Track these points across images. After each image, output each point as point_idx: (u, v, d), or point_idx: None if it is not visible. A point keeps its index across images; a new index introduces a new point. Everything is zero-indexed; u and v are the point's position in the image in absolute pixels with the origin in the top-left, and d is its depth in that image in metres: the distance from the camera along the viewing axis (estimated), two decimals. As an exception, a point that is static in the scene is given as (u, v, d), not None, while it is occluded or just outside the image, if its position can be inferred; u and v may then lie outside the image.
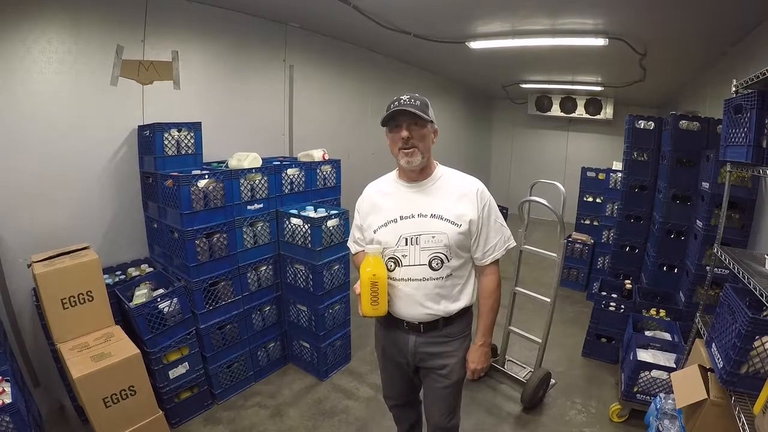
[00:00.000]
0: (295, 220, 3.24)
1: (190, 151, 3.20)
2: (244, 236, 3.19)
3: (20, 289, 2.86)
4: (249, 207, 3.18)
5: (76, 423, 2.92)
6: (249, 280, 3.28)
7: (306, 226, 3.17)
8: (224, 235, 3.06)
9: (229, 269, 3.12)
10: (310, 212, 3.29)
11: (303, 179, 3.55)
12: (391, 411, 2.31)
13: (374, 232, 1.80)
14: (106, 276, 3.17)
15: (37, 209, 2.91)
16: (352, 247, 2.03)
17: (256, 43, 4.06)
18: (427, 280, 1.75)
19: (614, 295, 4.05)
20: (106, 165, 3.24)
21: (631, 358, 2.97)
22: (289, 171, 3.44)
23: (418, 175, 1.79)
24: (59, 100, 2.94)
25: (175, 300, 2.87)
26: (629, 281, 4.20)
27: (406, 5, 3.51)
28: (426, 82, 6.88)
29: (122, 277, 3.27)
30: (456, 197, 1.75)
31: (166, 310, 2.83)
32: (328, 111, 5.04)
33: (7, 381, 2.33)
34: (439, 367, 1.88)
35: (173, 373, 2.89)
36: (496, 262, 1.84)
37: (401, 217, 1.75)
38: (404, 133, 1.66)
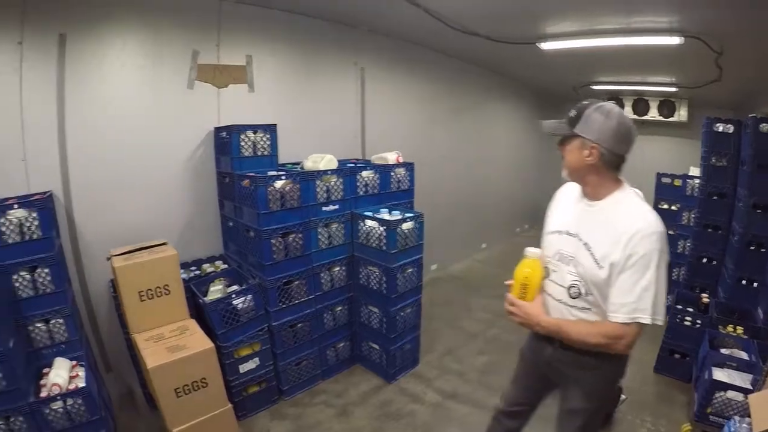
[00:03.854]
0: (370, 222, 3.39)
1: (266, 153, 3.41)
2: (319, 237, 3.36)
3: (98, 281, 3.18)
4: (324, 208, 3.35)
5: (145, 409, 3.17)
6: (322, 280, 3.45)
7: (381, 229, 3.31)
8: (300, 235, 3.24)
9: (303, 269, 3.31)
10: (385, 214, 3.45)
11: (377, 182, 3.68)
12: (491, 421, 2.23)
13: (546, 234, 1.84)
14: (181, 271, 3.39)
15: (116, 205, 3.22)
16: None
17: (328, 46, 4.27)
18: (564, 304, 1.70)
19: (690, 309, 3.96)
20: (184, 164, 3.52)
21: (706, 376, 2.91)
22: (364, 173, 3.59)
23: (591, 191, 1.68)
24: (138, 103, 3.24)
25: (249, 297, 3.07)
26: (706, 295, 4.07)
27: (475, 6, 3.60)
28: (495, 84, 6.99)
29: (197, 272, 3.53)
30: (610, 232, 1.56)
31: (240, 306, 3.03)
32: (399, 113, 5.21)
33: (81, 366, 2.61)
34: (566, 388, 1.87)
35: (243, 368, 3.08)
36: (629, 325, 1.53)
37: (567, 232, 1.71)
38: (557, 147, 1.70)
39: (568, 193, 1.86)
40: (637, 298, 1.50)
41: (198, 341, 2.66)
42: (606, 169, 1.62)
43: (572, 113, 1.63)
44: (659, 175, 5.85)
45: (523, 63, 5.90)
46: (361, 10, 3.89)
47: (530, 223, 8.80)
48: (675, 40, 3.96)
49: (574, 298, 1.67)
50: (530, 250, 1.76)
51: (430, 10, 3.66)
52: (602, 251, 1.57)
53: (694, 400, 3.10)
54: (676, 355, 3.78)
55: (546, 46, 4.57)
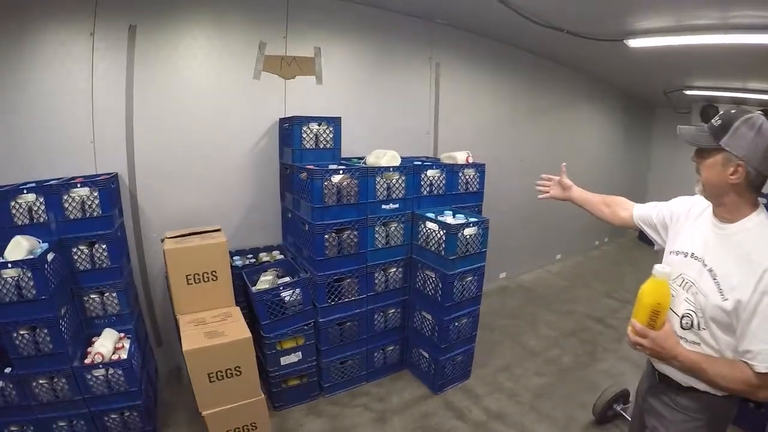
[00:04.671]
0: (430, 225, 3.20)
1: (328, 145, 3.34)
2: (376, 235, 3.24)
3: (156, 260, 3.29)
4: (384, 206, 3.22)
5: (188, 386, 3.14)
6: (376, 281, 3.32)
7: (441, 232, 3.10)
8: (355, 233, 3.13)
9: (356, 267, 3.19)
10: (448, 218, 3.25)
11: (443, 182, 3.48)
12: None
13: (668, 253, 1.64)
14: (238, 258, 3.47)
15: (178, 190, 3.31)
16: (637, 206, 1.92)
17: (401, 39, 4.14)
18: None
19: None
20: (247, 154, 3.54)
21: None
22: (429, 172, 3.40)
23: (725, 212, 1.46)
24: (204, 92, 3.30)
25: (297, 291, 3.01)
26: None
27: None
28: (579, 85, 6.55)
29: (253, 260, 3.54)
30: (742, 262, 1.36)
31: (287, 299, 2.98)
32: (475, 111, 4.99)
33: (128, 338, 2.75)
34: (651, 428, 1.69)
35: (285, 360, 3.05)
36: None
37: (692, 255, 1.52)
38: (693, 158, 1.49)
39: (693, 208, 1.64)
40: None
41: (237, 330, 2.64)
42: (748, 191, 1.39)
43: (717, 122, 1.40)
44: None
45: (609, 62, 5.50)
46: (436, 2, 3.74)
47: (610, 236, 8.18)
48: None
49: (685, 329, 1.50)
50: (661, 269, 1.44)
51: (510, 4, 3.45)
52: (730, 283, 1.37)
53: (766, 457, 2.68)
54: (751, 404, 3.32)
55: (634, 43, 4.20)
